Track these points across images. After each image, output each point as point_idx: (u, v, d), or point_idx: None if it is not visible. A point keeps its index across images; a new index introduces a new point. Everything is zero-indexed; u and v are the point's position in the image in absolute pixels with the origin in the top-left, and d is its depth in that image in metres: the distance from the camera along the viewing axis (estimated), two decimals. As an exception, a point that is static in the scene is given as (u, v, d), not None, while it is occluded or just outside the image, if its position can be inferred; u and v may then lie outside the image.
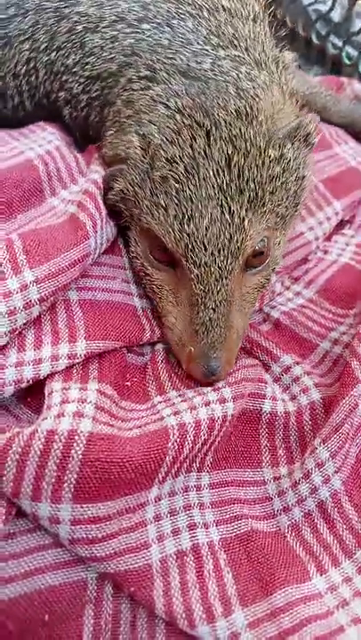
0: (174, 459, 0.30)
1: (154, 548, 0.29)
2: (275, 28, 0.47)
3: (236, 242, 0.35)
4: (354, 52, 0.79)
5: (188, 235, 0.35)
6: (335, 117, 0.64)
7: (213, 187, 0.35)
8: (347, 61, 0.80)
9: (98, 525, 0.27)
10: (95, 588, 0.28)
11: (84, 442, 0.28)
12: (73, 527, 0.27)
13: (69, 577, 0.28)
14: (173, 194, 0.35)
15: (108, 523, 0.28)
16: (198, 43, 0.40)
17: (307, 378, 0.39)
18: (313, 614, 0.28)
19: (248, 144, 0.36)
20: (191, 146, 0.35)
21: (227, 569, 0.30)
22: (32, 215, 0.39)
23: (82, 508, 0.27)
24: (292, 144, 0.39)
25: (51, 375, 0.33)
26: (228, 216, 0.35)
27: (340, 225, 0.55)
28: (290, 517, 0.33)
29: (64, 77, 0.46)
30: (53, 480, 0.27)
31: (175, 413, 0.32)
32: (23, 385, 0.32)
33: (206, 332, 0.35)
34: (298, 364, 0.40)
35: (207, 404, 0.33)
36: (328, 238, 0.54)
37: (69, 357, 0.33)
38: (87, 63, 0.44)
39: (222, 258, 0.35)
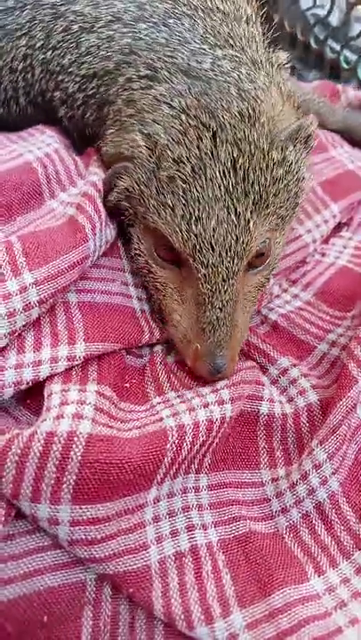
0: (173, 460, 0.30)
1: (152, 549, 0.29)
2: (269, 29, 0.47)
3: (243, 243, 0.36)
4: (352, 57, 0.80)
5: (195, 235, 0.35)
6: (329, 124, 0.65)
7: (220, 188, 0.35)
8: (345, 65, 0.80)
9: (97, 526, 0.27)
10: (94, 589, 0.28)
11: (84, 443, 0.28)
12: (72, 528, 0.27)
13: (68, 578, 0.28)
14: (180, 194, 0.36)
15: (106, 524, 0.28)
16: (195, 41, 0.41)
17: (304, 380, 0.39)
18: (311, 615, 0.28)
19: (252, 147, 0.36)
20: (198, 146, 0.36)
21: (225, 570, 0.30)
22: (31, 218, 0.40)
23: (81, 509, 0.27)
24: (294, 146, 0.40)
25: (50, 377, 0.33)
26: (234, 217, 0.36)
27: (338, 227, 0.56)
28: (288, 518, 0.33)
29: (60, 77, 0.46)
30: (53, 481, 0.27)
31: (174, 414, 0.32)
32: (23, 387, 0.32)
33: (213, 330, 0.36)
34: (295, 366, 0.40)
35: (206, 405, 0.33)
36: (326, 241, 0.54)
37: (69, 359, 0.34)
38: (83, 62, 0.44)
39: (229, 259, 0.36)
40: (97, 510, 0.27)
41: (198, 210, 0.35)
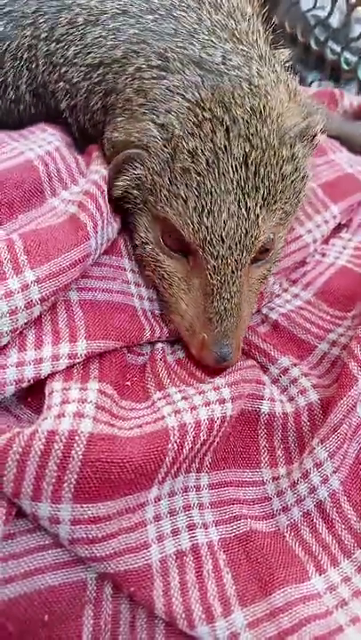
0: (174, 459, 0.30)
1: (153, 548, 0.29)
2: (271, 30, 0.48)
3: (251, 237, 0.37)
4: (353, 58, 0.80)
5: (206, 227, 0.36)
6: (326, 131, 0.65)
7: (232, 182, 0.36)
8: (345, 67, 0.81)
9: (98, 525, 0.27)
10: (95, 588, 0.28)
11: (85, 442, 0.28)
12: (73, 527, 0.27)
13: (69, 577, 0.28)
14: (194, 186, 0.36)
15: (107, 523, 0.28)
16: (203, 33, 0.41)
17: (304, 379, 0.39)
18: (312, 614, 0.28)
19: (263, 142, 0.37)
20: (212, 140, 0.36)
21: (226, 569, 0.30)
22: (33, 216, 0.39)
23: (82, 507, 0.27)
24: (302, 144, 0.40)
25: (51, 375, 0.33)
26: (244, 211, 0.36)
27: (338, 228, 0.56)
28: (289, 517, 0.33)
29: (63, 69, 0.46)
30: (54, 480, 0.27)
31: (175, 413, 0.32)
32: (24, 385, 0.32)
33: (220, 320, 0.37)
34: (296, 365, 0.41)
35: (207, 404, 0.33)
36: (326, 241, 0.55)
37: (70, 357, 0.34)
38: (89, 52, 0.44)
39: (238, 251, 0.37)
40: (98, 509, 0.27)
41: (210, 203, 0.36)
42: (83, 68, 0.44)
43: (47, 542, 0.28)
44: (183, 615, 0.27)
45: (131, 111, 0.41)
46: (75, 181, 0.43)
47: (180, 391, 0.36)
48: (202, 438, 0.32)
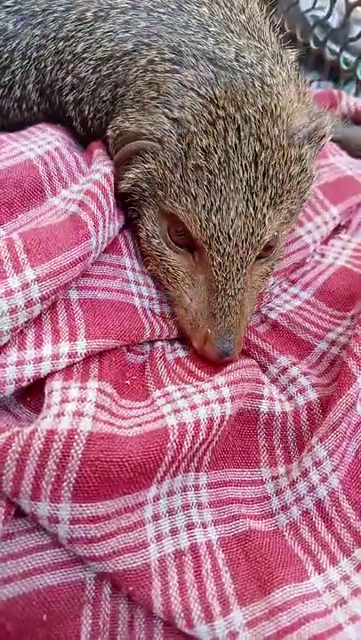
0: (173, 458, 0.30)
1: (152, 547, 0.29)
2: (274, 30, 0.48)
3: (257, 235, 0.38)
4: (351, 58, 0.80)
5: (214, 225, 0.37)
6: None
7: (241, 181, 0.36)
8: (344, 67, 0.81)
9: (97, 525, 0.27)
10: (93, 588, 0.28)
11: (84, 441, 0.28)
12: (72, 526, 0.27)
13: (68, 577, 0.28)
14: (205, 184, 0.36)
15: (106, 522, 0.28)
16: (215, 26, 0.41)
17: (303, 378, 0.39)
18: (311, 613, 0.28)
19: (273, 142, 0.37)
20: (224, 138, 0.36)
21: (225, 568, 0.30)
22: (33, 215, 0.39)
23: (81, 507, 0.27)
24: (309, 145, 0.41)
25: (51, 374, 0.33)
26: (252, 210, 0.37)
27: (337, 229, 0.56)
28: (288, 516, 0.33)
29: (71, 65, 0.46)
30: (53, 479, 0.27)
31: (175, 411, 0.32)
32: (24, 384, 0.32)
33: (224, 316, 0.38)
34: (295, 364, 0.41)
35: (207, 403, 0.33)
36: (325, 242, 0.55)
37: (70, 356, 0.34)
38: (99, 46, 0.44)
39: (244, 249, 0.37)
40: (97, 508, 0.27)
41: (219, 201, 0.36)
42: (92, 62, 0.44)
43: (46, 542, 0.28)
44: (182, 614, 0.27)
45: (142, 103, 0.41)
46: (75, 180, 0.43)
47: (179, 390, 0.36)
48: (201, 437, 0.32)
